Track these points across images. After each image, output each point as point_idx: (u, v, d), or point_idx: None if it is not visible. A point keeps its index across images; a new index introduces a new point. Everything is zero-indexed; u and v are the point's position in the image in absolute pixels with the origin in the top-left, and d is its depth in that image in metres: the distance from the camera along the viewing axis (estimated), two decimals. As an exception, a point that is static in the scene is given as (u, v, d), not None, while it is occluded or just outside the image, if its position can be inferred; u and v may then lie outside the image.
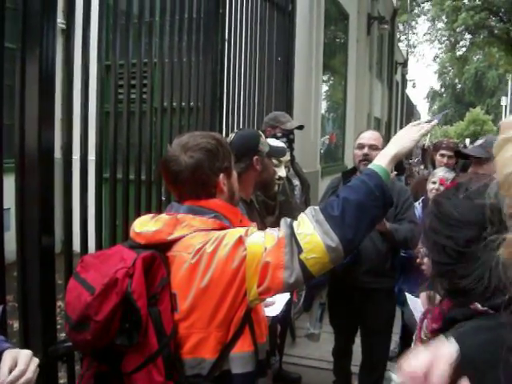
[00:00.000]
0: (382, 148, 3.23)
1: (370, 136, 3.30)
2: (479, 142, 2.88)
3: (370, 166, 1.65)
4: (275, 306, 2.32)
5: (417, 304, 2.12)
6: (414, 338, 1.43)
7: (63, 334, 2.25)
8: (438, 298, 1.58)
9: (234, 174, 1.85)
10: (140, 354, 1.54)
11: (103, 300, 1.48)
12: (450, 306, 1.19)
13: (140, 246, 1.65)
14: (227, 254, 1.56)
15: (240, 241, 1.57)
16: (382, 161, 1.65)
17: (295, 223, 1.57)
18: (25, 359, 1.33)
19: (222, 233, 1.63)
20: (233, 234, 1.61)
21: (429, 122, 1.76)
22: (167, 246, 1.65)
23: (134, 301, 1.49)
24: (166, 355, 1.55)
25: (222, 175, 1.75)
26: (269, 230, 1.63)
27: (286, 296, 2.41)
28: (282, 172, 3.08)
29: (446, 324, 1.17)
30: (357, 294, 3.29)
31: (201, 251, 1.59)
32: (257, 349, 1.69)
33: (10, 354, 1.32)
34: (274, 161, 2.99)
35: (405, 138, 1.71)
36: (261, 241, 1.56)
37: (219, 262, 1.56)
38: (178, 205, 1.75)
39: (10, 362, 1.30)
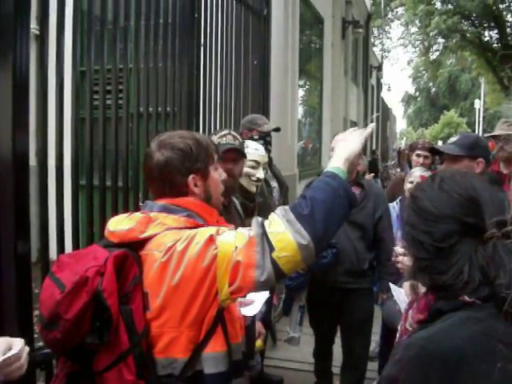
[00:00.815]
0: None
1: None
2: (453, 139, 2.92)
3: (328, 168, 1.67)
4: (254, 304, 2.31)
5: (400, 294, 2.13)
6: (399, 328, 1.43)
7: (41, 343, 2.22)
8: (421, 287, 1.59)
9: (215, 175, 1.83)
10: (111, 353, 1.53)
11: (73, 298, 1.47)
12: (435, 298, 1.19)
13: (114, 244, 1.64)
14: (198, 253, 1.55)
15: (211, 239, 1.57)
16: (338, 163, 1.68)
17: (266, 222, 1.57)
18: (19, 345, 1.35)
19: (193, 231, 1.62)
20: (204, 232, 1.60)
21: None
22: (140, 244, 1.64)
23: (105, 299, 1.48)
24: (137, 354, 1.54)
25: (192, 176, 1.73)
26: (240, 229, 1.62)
27: (264, 295, 2.39)
28: (260, 174, 3.08)
29: (433, 315, 1.17)
30: (336, 295, 3.32)
31: (171, 249, 1.58)
32: (230, 349, 1.68)
33: (4, 340, 1.34)
34: (252, 163, 3.00)
35: (350, 142, 1.75)
36: (232, 240, 1.56)
37: (190, 260, 1.56)
38: (152, 203, 1.75)
39: (4, 346, 1.32)
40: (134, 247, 1.64)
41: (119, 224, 1.69)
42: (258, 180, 3.10)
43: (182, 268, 1.56)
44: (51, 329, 1.51)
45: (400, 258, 2.27)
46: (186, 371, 1.60)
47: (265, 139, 3.67)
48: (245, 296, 1.69)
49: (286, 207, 1.59)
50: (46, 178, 2.40)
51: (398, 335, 1.42)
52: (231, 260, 1.53)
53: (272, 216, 1.59)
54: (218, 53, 4.26)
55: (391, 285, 2.40)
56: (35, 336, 2.27)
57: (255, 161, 3.04)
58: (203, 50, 4.00)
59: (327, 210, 1.54)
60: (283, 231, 1.51)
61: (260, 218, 1.60)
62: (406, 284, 2.02)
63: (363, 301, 3.36)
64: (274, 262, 1.51)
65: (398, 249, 2.39)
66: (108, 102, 2.92)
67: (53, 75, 2.41)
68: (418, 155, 4.66)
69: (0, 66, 2.08)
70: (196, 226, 1.66)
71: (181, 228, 1.64)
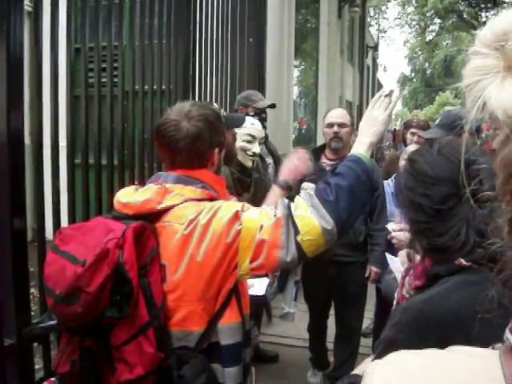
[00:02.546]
0: (350, 125, 3.35)
1: (337, 115, 3.45)
2: (436, 122, 2.93)
3: (353, 152, 1.72)
4: (255, 287, 2.33)
5: (396, 263, 2.15)
6: (395, 295, 1.45)
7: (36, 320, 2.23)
8: (417, 256, 1.60)
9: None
10: (130, 326, 1.52)
11: (95, 271, 1.45)
12: (432, 263, 1.21)
13: (127, 216, 1.63)
14: (222, 228, 1.57)
15: (236, 215, 1.59)
16: (361, 148, 1.73)
17: (292, 205, 1.60)
18: None
19: (216, 204, 1.63)
20: (229, 207, 1.62)
21: (389, 94, 1.80)
22: (156, 216, 1.64)
23: (126, 271, 1.47)
24: (156, 327, 1.55)
25: (217, 149, 1.75)
26: (265, 208, 1.66)
27: (265, 280, 2.43)
28: (256, 148, 3.08)
29: (430, 280, 1.18)
30: (331, 268, 3.36)
31: (194, 222, 1.59)
32: (244, 319, 1.71)
33: None
34: (248, 137, 3.00)
35: (375, 123, 1.76)
36: (256, 217, 1.59)
37: (214, 234, 1.57)
38: (166, 174, 1.73)
39: None
40: (149, 219, 1.63)
41: (131, 196, 1.68)
42: (254, 154, 3.10)
43: (205, 242, 1.57)
44: (70, 303, 1.48)
45: (394, 234, 2.28)
46: (201, 343, 1.61)
47: (260, 116, 3.66)
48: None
49: (311, 192, 1.62)
50: (41, 157, 2.38)
51: (394, 303, 1.43)
52: (255, 237, 1.55)
53: (297, 199, 1.62)
54: (214, 30, 4.23)
55: (387, 254, 2.42)
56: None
57: (251, 135, 3.04)
58: (199, 27, 3.97)
59: (351, 196, 1.59)
60: (309, 216, 1.56)
61: (286, 200, 1.63)
62: (402, 253, 2.03)
63: (357, 274, 3.39)
64: (298, 245, 1.56)
65: (393, 225, 2.40)
66: (103, 79, 2.89)
67: (47, 53, 2.39)
68: (413, 133, 4.67)
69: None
70: (211, 198, 1.67)
71: (199, 199, 1.65)
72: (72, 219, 2.63)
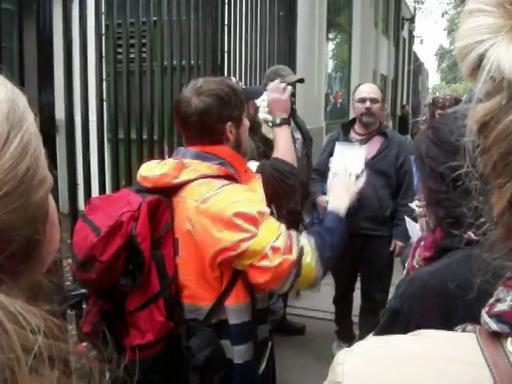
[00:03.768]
0: (382, 100, 3.34)
1: (369, 90, 3.47)
2: (463, 98, 2.88)
3: (339, 209, 1.84)
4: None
5: (415, 228, 2.15)
6: (406, 265, 1.46)
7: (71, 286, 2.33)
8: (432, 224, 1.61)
9: (245, 124, 1.88)
10: (142, 295, 1.61)
11: (108, 241, 1.53)
12: (442, 235, 1.19)
13: (147, 190, 1.69)
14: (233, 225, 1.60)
15: (254, 219, 1.61)
16: (343, 207, 1.86)
17: (304, 251, 1.66)
18: None
19: (233, 190, 1.67)
20: (250, 206, 1.64)
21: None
22: (173, 190, 1.69)
23: (138, 243, 1.54)
24: (167, 297, 1.62)
25: (229, 123, 1.77)
26: (284, 232, 1.66)
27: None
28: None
29: (439, 252, 1.18)
30: (357, 241, 3.38)
31: (207, 201, 1.63)
32: (254, 299, 1.75)
33: None
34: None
35: (344, 196, 1.92)
36: (270, 238, 1.60)
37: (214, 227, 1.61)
38: (185, 150, 1.79)
39: None
40: (166, 193, 1.69)
41: (151, 170, 1.74)
42: None
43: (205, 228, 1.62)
44: (86, 269, 1.58)
45: (418, 212, 2.27)
46: (209, 318, 1.68)
47: None
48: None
49: (315, 242, 1.70)
50: (73, 132, 2.45)
51: (404, 272, 1.45)
52: (259, 257, 1.58)
53: (308, 249, 1.67)
54: (243, 4, 4.21)
55: (406, 218, 2.41)
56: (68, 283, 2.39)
57: None
58: (227, 2, 3.96)
59: (339, 249, 1.79)
60: (313, 266, 1.66)
61: (301, 243, 1.67)
62: (422, 219, 2.03)
63: (384, 248, 3.42)
64: (292, 284, 1.65)
65: (417, 202, 2.38)
66: (131, 55, 2.94)
67: (76, 30, 2.44)
68: (440, 114, 4.59)
69: (24, 20, 2.10)
70: (227, 175, 1.71)
71: (215, 176, 1.69)
72: (103, 192, 2.71)
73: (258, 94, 2.66)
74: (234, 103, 1.78)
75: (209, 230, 1.60)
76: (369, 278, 3.57)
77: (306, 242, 1.68)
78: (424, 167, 1.22)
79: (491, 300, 0.56)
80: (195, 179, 1.68)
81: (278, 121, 2.20)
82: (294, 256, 1.60)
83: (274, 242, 1.58)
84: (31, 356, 0.37)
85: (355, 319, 3.80)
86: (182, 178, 1.68)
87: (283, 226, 1.67)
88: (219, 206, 1.60)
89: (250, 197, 1.68)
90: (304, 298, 4.60)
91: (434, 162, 1.18)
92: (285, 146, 2.12)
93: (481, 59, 0.52)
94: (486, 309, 0.56)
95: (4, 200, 0.42)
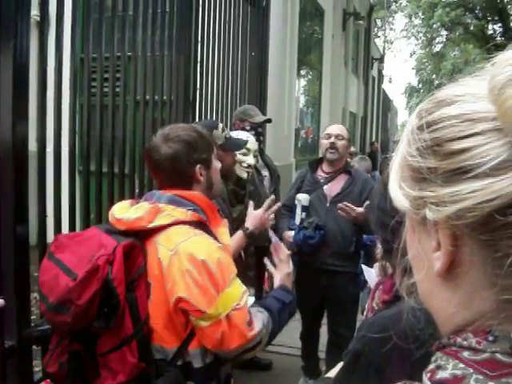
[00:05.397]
0: (347, 139, 3.49)
1: (336, 128, 3.61)
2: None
3: (283, 291, 1.95)
4: None
5: (372, 274, 2.21)
6: (366, 306, 1.51)
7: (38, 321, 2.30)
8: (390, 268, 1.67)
9: (215, 165, 1.93)
10: (115, 337, 1.62)
11: (85, 285, 1.54)
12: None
13: (119, 231, 1.70)
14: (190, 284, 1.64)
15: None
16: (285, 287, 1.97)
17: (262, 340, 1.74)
18: None
19: (213, 254, 1.70)
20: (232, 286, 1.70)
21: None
22: (146, 233, 1.71)
23: (114, 287, 1.56)
24: (140, 339, 1.64)
25: (198, 166, 1.82)
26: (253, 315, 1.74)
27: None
28: (250, 160, 3.20)
29: (397, 297, 1.23)
30: (322, 276, 3.45)
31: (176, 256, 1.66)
32: None
33: None
34: (243, 150, 3.09)
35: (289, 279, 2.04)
36: (243, 319, 1.67)
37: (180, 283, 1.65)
38: (160, 194, 1.81)
39: None
40: (139, 236, 1.71)
41: (125, 211, 1.75)
42: (249, 166, 3.20)
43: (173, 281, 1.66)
44: (60, 312, 1.58)
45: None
46: (175, 360, 1.70)
47: (256, 130, 3.75)
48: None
49: (269, 318, 1.79)
50: (44, 164, 2.45)
51: (365, 313, 1.50)
52: (212, 321, 1.64)
53: (265, 325, 1.75)
54: (216, 43, 4.31)
55: (363, 266, 2.49)
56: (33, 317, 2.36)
57: (246, 148, 3.14)
58: (200, 40, 4.05)
59: (284, 324, 1.88)
60: (264, 341, 1.75)
61: (266, 317, 1.77)
62: (376, 265, 2.10)
63: (348, 284, 3.45)
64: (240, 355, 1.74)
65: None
66: (105, 89, 2.97)
67: (52, 62, 2.47)
68: None
69: (1, 52, 2.12)
70: (200, 222, 1.76)
71: (188, 222, 1.72)
72: (72, 224, 2.70)
73: (239, 147, 2.74)
74: (201, 146, 1.83)
75: (174, 278, 1.64)
76: (334, 314, 3.61)
77: (265, 331, 1.74)
78: (376, 219, 1.31)
79: (431, 366, 0.56)
80: (170, 225, 1.70)
81: (248, 234, 2.43)
82: (251, 335, 1.68)
83: (232, 311, 1.64)
84: None
85: (322, 355, 3.81)
86: (157, 222, 1.70)
87: (246, 296, 1.73)
88: (190, 257, 1.64)
89: (221, 257, 1.71)
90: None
91: (383, 214, 1.25)
92: (235, 244, 2.33)
93: None
94: (428, 375, 0.55)
95: None
